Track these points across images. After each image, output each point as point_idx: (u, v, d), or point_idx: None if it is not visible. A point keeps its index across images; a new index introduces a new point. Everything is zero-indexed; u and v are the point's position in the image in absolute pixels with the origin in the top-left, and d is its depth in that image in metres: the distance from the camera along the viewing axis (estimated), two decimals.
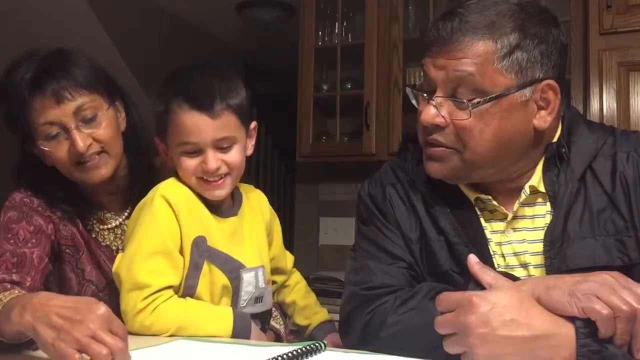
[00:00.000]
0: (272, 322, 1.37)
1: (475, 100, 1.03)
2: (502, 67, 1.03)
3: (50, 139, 1.30)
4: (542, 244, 1.08)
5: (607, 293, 0.83)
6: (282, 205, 5.17)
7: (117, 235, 1.42)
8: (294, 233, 3.37)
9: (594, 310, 0.83)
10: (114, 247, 1.41)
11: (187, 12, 3.92)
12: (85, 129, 1.30)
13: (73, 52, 1.36)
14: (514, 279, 0.97)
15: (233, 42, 4.44)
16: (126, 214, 1.43)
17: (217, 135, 1.19)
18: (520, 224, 1.12)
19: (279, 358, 0.90)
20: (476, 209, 1.13)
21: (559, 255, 1.05)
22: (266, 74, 4.67)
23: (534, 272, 1.09)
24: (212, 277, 1.22)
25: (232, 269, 1.24)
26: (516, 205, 1.11)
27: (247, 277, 1.26)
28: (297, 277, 1.51)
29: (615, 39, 2.31)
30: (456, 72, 1.04)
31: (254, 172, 5.04)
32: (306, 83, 2.93)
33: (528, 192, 1.10)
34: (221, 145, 1.21)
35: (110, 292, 1.36)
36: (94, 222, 1.41)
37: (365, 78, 2.82)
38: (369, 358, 0.97)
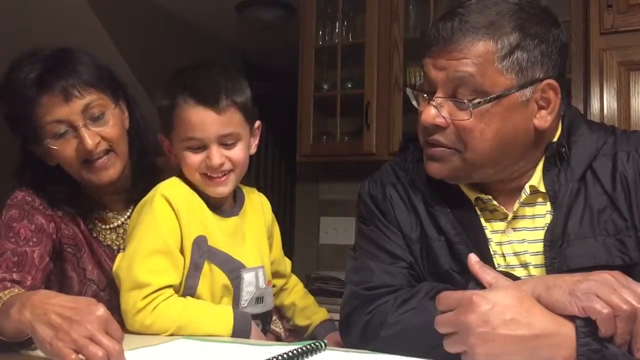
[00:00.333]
0: (272, 326, 1.37)
1: (476, 101, 1.03)
2: (503, 67, 1.03)
3: (58, 137, 1.30)
4: (542, 243, 1.08)
5: (607, 292, 0.83)
6: (282, 204, 5.17)
7: (119, 235, 1.42)
8: (294, 232, 3.37)
9: (594, 310, 0.83)
10: (115, 247, 1.41)
11: (188, 11, 3.92)
12: (93, 127, 1.30)
13: (77, 50, 1.36)
14: (514, 278, 0.97)
15: (233, 41, 4.44)
16: (128, 213, 1.43)
17: (221, 131, 1.20)
18: (521, 223, 1.12)
19: (280, 357, 0.90)
20: (476, 208, 1.13)
21: (559, 255, 1.05)
22: (266, 73, 4.67)
23: (534, 271, 1.09)
24: (212, 277, 1.22)
25: (233, 268, 1.24)
26: (516, 205, 1.11)
27: (248, 277, 1.26)
28: (295, 280, 1.52)
29: (615, 39, 2.31)
30: (457, 73, 1.03)
31: (254, 171, 5.04)
32: (306, 82, 2.93)
33: (528, 192, 1.10)
34: (225, 142, 1.21)
35: (111, 292, 1.36)
36: (96, 221, 1.41)
37: (366, 77, 2.82)
38: (369, 357, 0.97)
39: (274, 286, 1.44)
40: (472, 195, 1.13)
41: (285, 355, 0.91)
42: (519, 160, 1.10)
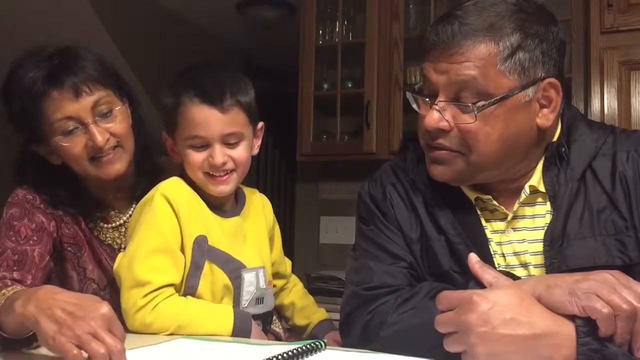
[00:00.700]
0: (273, 326, 1.37)
1: (480, 103, 1.03)
2: (505, 69, 1.02)
3: (67, 135, 1.30)
4: (542, 243, 1.07)
5: (607, 292, 0.83)
6: (282, 204, 5.17)
7: (121, 234, 1.42)
8: (295, 232, 3.37)
9: (594, 309, 0.83)
10: (116, 246, 1.41)
11: (188, 10, 3.92)
12: (102, 123, 1.31)
13: (82, 48, 1.36)
14: (515, 278, 0.97)
15: (234, 40, 4.44)
16: (130, 212, 1.43)
17: (225, 130, 1.20)
18: (521, 223, 1.12)
19: (280, 357, 0.90)
20: (476, 208, 1.13)
21: (559, 255, 1.05)
22: (267, 72, 4.66)
23: (534, 271, 1.09)
24: (213, 277, 1.22)
25: (233, 268, 1.24)
26: (516, 205, 1.11)
27: (248, 277, 1.26)
28: (295, 280, 1.52)
29: (616, 38, 2.31)
30: (459, 76, 1.03)
31: (255, 171, 5.04)
32: (307, 82, 2.93)
33: (528, 192, 1.10)
34: (228, 141, 1.22)
35: (111, 291, 1.36)
36: (98, 220, 1.41)
37: (366, 77, 2.82)
38: (369, 357, 0.97)
39: (274, 286, 1.44)
40: (472, 195, 1.13)
41: (285, 355, 0.91)
42: (521, 160, 1.10)
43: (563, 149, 1.10)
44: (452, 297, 0.90)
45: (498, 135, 1.04)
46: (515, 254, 1.11)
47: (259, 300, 1.28)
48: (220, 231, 1.25)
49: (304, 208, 3.34)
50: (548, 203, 1.10)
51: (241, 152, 1.24)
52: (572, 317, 0.85)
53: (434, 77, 1.06)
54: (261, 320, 1.29)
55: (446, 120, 1.05)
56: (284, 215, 4.76)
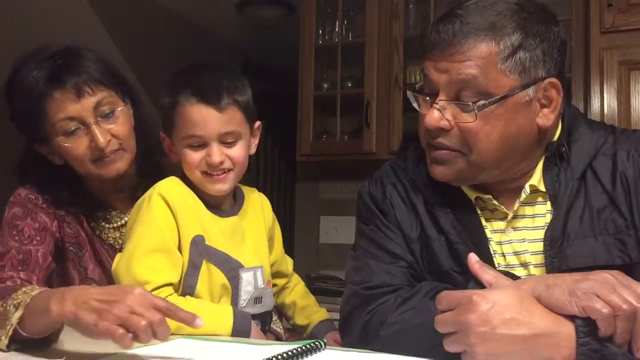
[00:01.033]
0: (273, 326, 1.37)
1: (480, 103, 1.03)
2: (506, 68, 1.02)
3: (69, 135, 1.30)
4: (543, 243, 1.07)
5: (607, 292, 0.83)
6: (282, 204, 5.18)
7: (122, 234, 1.42)
8: (294, 232, 3.37)
9: (594, 309, 0.83)
10: (117, 246, 1.41)
11: (188, 10, 3.92)
12: (104, 124, 1.31)
13: (84, 48, 1.36)
14: (514, 278, 0.97)
15: (234, 40, 4.44)
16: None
17: (222, 129, 1.21)
18: (521, 223, 1.12)
19: (279, 356, 0.90)
20: (476, 208, 1.13)
21: (559, 254, 1.05)
22: (266, 72, 4.66)
23: (534, 271, 1.09)
24: (210, 277, 1.22)
25: (231, 268, 1.24)
26: (516, 205, 1.11)
27: (246, 277, 1.26)
28: (296, 279, 1.52)
29: (616, 38, 2.31)
30: (460, 75, 1.03)
31: (254, 171, 5.04)
32: (306, 81, 2.93)
33: (528, 192, 1.10)
34: (226, 140, 1.22)
35: None
36: (100, 220, 1.41)
37: (366, 76, 2.82)
38: (369, 357, 0.97)
39: (275, 285, 1.44)
40: (472, 195, 1.13)
41: (285, 355, 0.91)
42: (522, 160, 1.10)
43: (563, 149, 1.10)
44: (451, 297, 0.90)
45: (498, 135, 1.04)
46: (515, 253, 1.10)
47: (257, 300, 1.28)
48: (218, 231, 1.25)
49: (303, 208, 3.34)
50: (548, 202, 1.10)
51: (239, 151, 1.24)
52: (571, 317, 0.85)
53: (434, 76, 1.06)
54: (260, 320, 1.29)
55: (447, 119, 1.05)
56: (284, 215, 4.76)
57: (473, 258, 0.96)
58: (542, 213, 1.11)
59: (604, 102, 2.32)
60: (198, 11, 3.93)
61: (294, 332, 1.48)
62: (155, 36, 3.77)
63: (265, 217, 1.40)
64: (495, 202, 1.11)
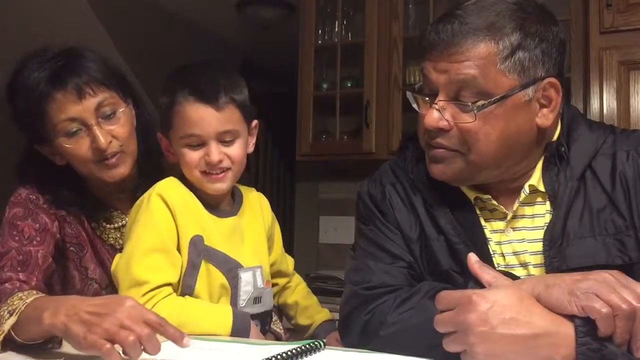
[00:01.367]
0: (273, 326, 1.37)
1: (480, 103, 1.03)
2: (505, 68, 1.02)
3: (70, 136, 1.30)
4: (542, 243, 1.07)
5: (606, 292, 0.83)
6: (282, 204, 5.17)
7: (123, 234, 1.41)
8: (294, 232, 3.37)
9: (593, 309, 0.83)
10: (118, 246, 1.41)
11: (187, 10, 3.92)
12: (105, 125, 1.31)
13: (85, 49, 1.36)
14: (514, 278, 0.97)
15: (233, 40, 4.44)
16: None
17: (220, 128, 1.21)
18: (520, 223, 1.12)
19: (279, 356, 0.90)
20: (476, 208, 1.13)
21: (559, 254, 1.05)
22: (266, 72, 4.67)
23: (534, 271, 1.09)
24: (210, 277, 1.22)
25: (230, 268, 1.24)
26: (516, 205, 1.11)
27: (245, 277, 1.26)
28: (298, 279, 1.52)
29: (615, 38, 2.31)
30: (459, 75, 1.03)
31: (254, 170, 5.04)
32: (306, 81, 2.93)
33: (528, 192, 1.10)
34: (224, 139, 1.22)
35: (113, 291, 1.35)
36: (101, 220, 1.41)
37: (365, 76, 2.82)
38: (368, 356, 0.97)
39: (276, 285, 1.44)
40: (471, 195, 1.13)
41: (284, 355, 0.91)
42: (521, 160, 1.10)
43: (563, 149, 1.10)
44: (451, 296, 0.90)
45: (498, 135, 1.04)
46: (515, 253, 1.11)
47: (256, 299, 1.28)
48: (216, 231, 1.25)
49: (303, 208, 3.34)
50: (548, 203, 1.10)
51: (237, 150, 1.24)
52: (571, 317, 0.85)
53: (434, 77, 1.06)
54: (259, 320, 1.29)
55: (446, 119, 1.05)
56: (283, 215, 4.76)
57: (473, 258, 0.96)
58: (541, 213, 1.11)
59: (603, 102, 2.32)
60: (198, 11, 3.92)
61: (294, 332, 1.48)
62: (155, 36, 3.77)
63: (264, 216, 1.40)
64: (494, 202, 1.11)
